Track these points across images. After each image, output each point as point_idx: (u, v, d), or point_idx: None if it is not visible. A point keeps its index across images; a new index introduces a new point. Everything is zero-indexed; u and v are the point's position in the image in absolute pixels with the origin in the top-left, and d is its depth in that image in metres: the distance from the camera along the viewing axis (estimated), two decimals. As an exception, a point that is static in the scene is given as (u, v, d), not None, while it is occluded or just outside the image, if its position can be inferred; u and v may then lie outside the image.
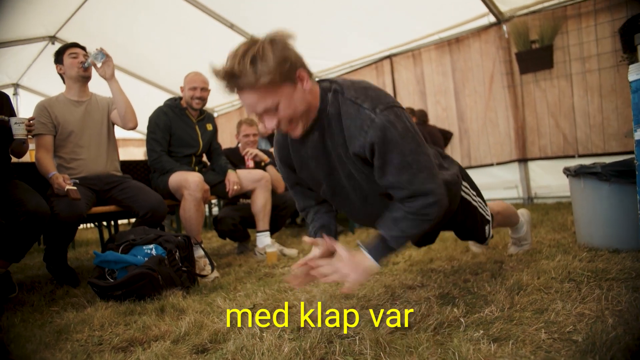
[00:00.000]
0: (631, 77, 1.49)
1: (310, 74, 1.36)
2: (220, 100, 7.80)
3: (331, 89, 1.40)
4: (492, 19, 4.94)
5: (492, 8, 4.75)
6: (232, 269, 2.69)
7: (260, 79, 1.21)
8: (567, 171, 2.47)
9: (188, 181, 2.66)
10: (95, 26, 5.65)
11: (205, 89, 3.03)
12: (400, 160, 1.31)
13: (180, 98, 3.07)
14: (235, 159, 3.44)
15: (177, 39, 6.01)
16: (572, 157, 4.59)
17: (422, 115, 5.31)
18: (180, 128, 2.98)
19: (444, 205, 1.40)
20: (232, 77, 1.23)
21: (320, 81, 1.45)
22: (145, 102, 7.51)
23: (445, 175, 1.56)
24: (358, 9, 5.04)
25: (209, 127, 3.16)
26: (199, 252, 2.53)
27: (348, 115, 1.34)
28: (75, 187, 2.32)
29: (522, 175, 4.92)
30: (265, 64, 1.21)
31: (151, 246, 2.14)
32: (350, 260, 1.38)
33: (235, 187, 2.93)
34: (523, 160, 4.94)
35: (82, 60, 2.63)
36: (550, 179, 4.73)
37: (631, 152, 4.14)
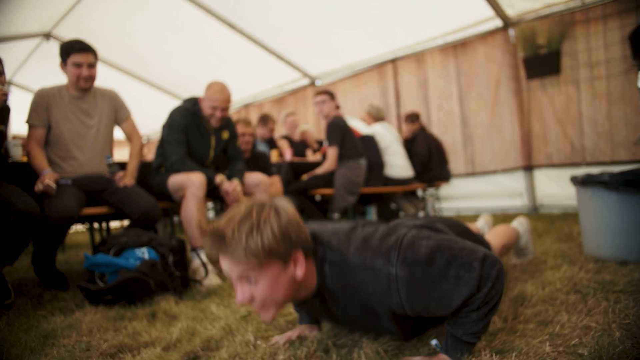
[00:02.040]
0: (642, 82, 1.42)
1: (308, 254, 1.18)
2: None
3: (326, 258, 1.20)
4: (498, 23, 4.89)
5: (499, 12, 4.70)
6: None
7: (248, 255, 1.06)
8: (575, 180, 2.40)
9: (191, 179, 2.57)
10: (91, 23, 5.63)
11: (227, 108, 2.87)
12: (448, 280, 1.11)
13: (198, 101, 2.90)
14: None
15: (175, 38, 5.99)
16: (579, 165, 4.51)
17: (415, 118, 5.12)
18: (193, 137, 2.85)
19: (500, 268, 1.15)
20: (219, 240, 1.07)
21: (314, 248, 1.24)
22: (141, 101, 7.57)
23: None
24: (361, 10, 5.01)
25: (225, 135, 3.01)
26: (197, 260, 2.46)
27: (366, 283, 1.15)
28: (54, 186, 2.26)
29: (528, 183, 4.85)
30: (259, 239, 1.06)
31: (144, 249, 2.09)
32: None
33: (235, 199, 2.80)
34: (528, 167, 4.86)
35: (85, 75, 2.53)
36: (556, 188, 4.66)
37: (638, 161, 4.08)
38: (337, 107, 4.02)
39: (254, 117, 7.51)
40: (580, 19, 4.47)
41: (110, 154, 2.72)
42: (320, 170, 3.82)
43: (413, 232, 1.18)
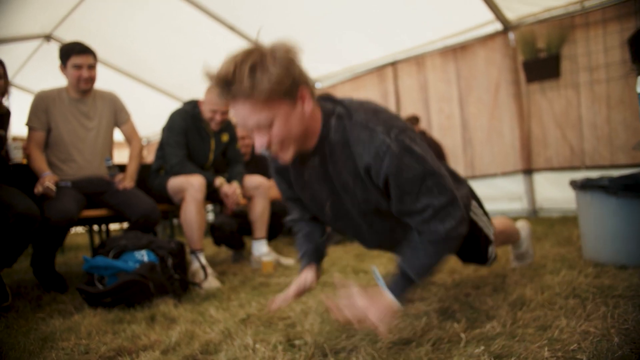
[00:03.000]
0: (639, 88, 1.42)
1: (313, 95, 1.24)
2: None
3: (334, 112, 1.28)
4: (498, 26, 4.89)
5: (499, 15, 4.71)
6: (226, 278, 2.63)
7: (257, 90, 1.10)
8: (574, 184, 2.41)
9: (190, 182, 2.58)
10: (92, 26, 5.62)
11: (227, 112, 2.85)
12: (420, 186, 1.22)
13: (198, 104, 2.89)
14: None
15: (175, 40, 5.98)
16: (579, 168, 4.52)
17: (415, 121, 5.12)
18: (193, 140, 2.85)
19: (466, 226, 1.31)
20: (226, 83, 1.12)
21: (323, 101, 1.33)
22: (141, 103, 7.57)
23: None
24: (362, 13, 5.01)
25: (225, 138, 3.01)
26: (196, 263, 2.46)
27: (359, 141, 1.22)
28: (54, 189, 2.26)
29: (527, 187, 4.85)
30: (264, 75, 1.10)
31: (143, 252, 2.09)
32: (366, 297, 1.22)
33: (234, 202, 2.80)
34: (528, 171, 4.86)
35: (86, 76, 2.53)
36: (555, 192, 4.65)
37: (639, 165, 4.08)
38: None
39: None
40: (579, 23, 4.48)
41: (110, 156, 2.73)
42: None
43: (422, 142, 1.29)
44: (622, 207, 2.15)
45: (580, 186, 2.32)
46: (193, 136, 2.85)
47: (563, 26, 4.54)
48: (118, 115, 2.76)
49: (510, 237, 2.13)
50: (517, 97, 4.89)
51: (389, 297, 1.25)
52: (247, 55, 1.12)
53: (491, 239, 1.71)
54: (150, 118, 8.03)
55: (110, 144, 2.76)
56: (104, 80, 6.77)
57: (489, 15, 4.72)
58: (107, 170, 2.60)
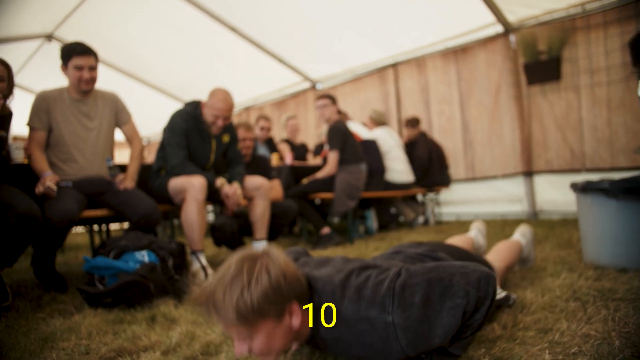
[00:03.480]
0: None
1: (304, 300, 1.19)
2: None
3: (319, 303, 1.20)
4: (499, 28, 4.90)
5: (500, 18, 4.72)
6: (227, 278, 2.62)
7: (240, 318, 1.06)
8: (575, 187, 2.41)
9: (191, 183, 2.57)
10: (93, 25, 5.65)
11: (229, 117, 2.86)
12: (447, 313, 1.10)
13: (200, 105, 2.90)
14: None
15: (176, 40, 6.00)
16: (579, 171, 4.52)
17: (415, 123, 5.12)
18: (194, 141, 2.85)
19: (494, 282, 1.16)
20: (210, 305, 1.08)
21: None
22: (142, 103, 7.59)
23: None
24: (363, 15, 5.02)
25: (226, 138, 3.01)
26: (196, 264, 2.46)
27: (363, 335, 1.14)
28: (55, 189, 2.26)
29: (528, 189, 4.85)
30: (250, 301, 1.05)
31: (144, 252, 2.09)
32: None
33: (235, 203, 2.80)
34: (528, 173, 4.86)
35: (87, 77, 2.53)
36: (556, 194, 4.66)
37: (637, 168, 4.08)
38: (339, 112, 4.03)
39: (254, 120, 7.52)
40: (580, 26, 4.49)
41: (111, 157, 2.72)
42: (320, 174, 3.82)
43: (404, 275, 1.16)
44: (623, 210, 2.15)
45: (581, 189, 2.31)
46: (194, 137, 2.85)
47: (564, 29, 4.55)
48: (119, 115, 2.76)
49: (514, 264, 2.08)
50: (517, 99, 4.90)
51: None
52: (236, 276, 1.07)
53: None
54: (150, 118, 8.05)
55: (111, 144, 2.76)
56: (105, 80, 6.79)
57: (490, 17, 4.72)
58: (108, 170, 2.60)
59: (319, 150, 4.75)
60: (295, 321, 1.14)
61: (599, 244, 2.27)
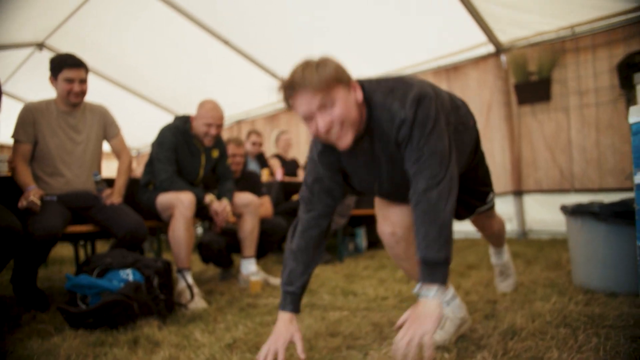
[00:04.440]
0: (631, 119, 1.43)
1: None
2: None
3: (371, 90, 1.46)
4: (491, 48, 4.95)
5: (492, 38, 4.77)
6: (213, 297, 2.57)
7: (322, 78, 1.29)
8: (565, 209, 2.41)
9: (180, 199, 2.53)
10: (86, 35, 5.60)
11: (221, 125, 2.84)
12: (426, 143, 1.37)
13: (190, 119, 2.87)
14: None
15: (169, 52, 5.98)
16: (568, 191, 4.55)
17: None
18: (183, 155, 2.81)
19: (452, 192, 1.37)
20: (296, 82, 1.30)
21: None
22: (133, 114, 7.54)
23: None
24: (356, 32, 5.05)
25: (215, 153, 2.97)
26: (182, 282, 2.41)
27: (385, 121, 1.41)
28: (38, 203, 2.21)
29: (517, 208, 4.86)
30: (326, 68, 1.32)
31: (128, 271, 2.04)
32: (413, 318, 1.25)
33: (224, 220, 2.78)
34: (518, 192, 4.88)
35: (77, 90, 2.50)
36: (545, 214, 4.67)
37: (628, 189, 4.11)
38: None
39: (245, 133, 7.49)
40: (570, 48, 4.55)
41: (98, 171, 2.68)
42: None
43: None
44: (612, 234, 2.15)
45: (571, 212, 2.32)
46: (183, 152, 2.82)
47: (554, 50, 4.60)
48: (108, 128, 2.72)
49: (503, 232, 2.23)
50: (508, 119, 4.93)
51: (427, 304, 1.25)
52: (308, 61, 1.35)
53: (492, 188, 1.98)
54: (141, 130, 7.99)
55: (98, 158, 2.71)
56: (96, 91, 6.74)
57: (481, 37, 4.77)
58: (95, 185, 2.55)
59: (310, 165, 4.72)
60: (359, 94, 1.39)
61: (589, 267, 2.27)
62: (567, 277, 2.58)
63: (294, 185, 4.12)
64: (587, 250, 2.26)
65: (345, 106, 1.33)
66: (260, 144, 4.69)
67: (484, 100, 5.09)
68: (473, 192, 1.88)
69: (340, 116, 1.32)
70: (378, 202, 1.76)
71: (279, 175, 4.27)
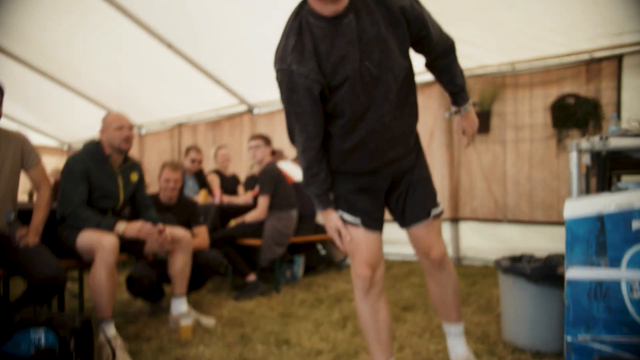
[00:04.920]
0: (566, 214, 1.45)
1: None
2: (148, 118, 7.42)
3: None
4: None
5: (437, 67, 4.84)
6: (138, 345, 2.40)
7: None
8: (499, 265, 2.46)
9: (102, 243, 2.33)
10: (15, 25, 5.15)
11: (131, 128, 2.70)
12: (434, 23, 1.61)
13: (100, 142, 2.71)
14: (158, 206, 3.14)
15: (107, 49, 5.64)
16: (501, 221, 4.73)
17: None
18: (99, 179, 2.62)
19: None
20: None
21: None
22: (66, 109, 7.05)
23: None
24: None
25: (134, 177, 2.79)
26: (101, 336, 2.22)
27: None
28: None
29: (453, 234, 4.99)
30: None
31: (40, 331, 1.84)
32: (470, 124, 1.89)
33: (160, 241, 2.63)
34: (455, 219, 5.01)
35: None
36: (479, 241, 4.82)
37: (554, 223, 4.33)
38: (273, 152, 3.91)
39: (186, 137, 7.20)
40: (510, 83, 4.72)
41: (12, 208, 2.40)
42: (249, 218, 3.68)
43: None
44: (541, 295, 2.22)
45: (504, 270, 2.37)
46: (99, 175, 2.62)
47: (495, 84, 4.76)
48: (26, 158, 2.45)
49: (456, 280, 2.07)
50: (449, 147, 5.05)
51: (472, 112, 1.88)
52: None
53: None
54: (74, 125, 7.53)
55: (13, 192, 2.43)
56: (25, 82, 6.24)
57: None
58: (7, 225, 2.29)
59: (250, 183, 4.58)
60: None
61: (518, 326, 2.34)
62: (497, 323, 2.65)
63: (232, 210, 3.97)
64: (517, 308, 2.33)
65: None
66: (200, 161, 4.49)
67: (427, 127, 5.16)
68: (426, 188, 1.85)
69: None
70: (355, 241, 1.70)
71: (217, 197, 4.11)
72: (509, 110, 4.74)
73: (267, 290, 3.56)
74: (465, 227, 4.98)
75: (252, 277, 3.56)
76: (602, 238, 1.44)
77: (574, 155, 2.17)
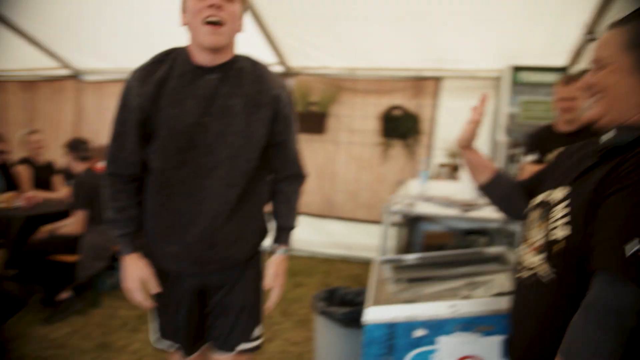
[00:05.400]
0: (365, 319, 1.63)
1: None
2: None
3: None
4: (281, 69, 5.01)
5: (283, 61, 4.82)
6: None
7: None
8: (314, 306, 2.66)
9: None
10: None
11: None
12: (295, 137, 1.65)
13: None
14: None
15: None
16: (330, 217, 5.09)
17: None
18: None
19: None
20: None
21: None
22: None
23: None
24: (133, 17, 4.45)
25: None
26: None
27: (270, 76, 1.46)
28: None
29: (287, 228, 5.21)
30: None
31: None
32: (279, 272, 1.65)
33: None
34: (289, 213, 5.22)
35: None
36: (309, 235, 5.10)
37: (374, 222, 4.80)
38: (86, 158, 3.42)
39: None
40: (348, 87, 4.95)
41: None
42: (63, 230, 3.30)
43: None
44: (349, 338, 2.49)
45: (321, 312, 2.58)
46: None
47: (334, 86, 4.94)
48: None
49: None
50: (287, 142, 5.14)
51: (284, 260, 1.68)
52: None
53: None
54: None
55: None
56: None
57: (274, 58, 4.77)
58: None
59: (69, 174, 4.05)
60: (242, 27, 1.44)
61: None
62: (313, 345, 2.91)
63: (42, 217, 3.48)
64: (329, 348, 2.58)
65: (237, 11, 1.35)
66: (8, 152, 3.80)
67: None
68: (242, 319, 1.60)
69: (232, 13, 1.32)
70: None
71: (23, 200, 3.52)
72: (345, 114, 4.99)
73: (83, 309, 3.29)
74: (299, 221, 5.22)
75: (65, 295, 3.24)
76: (391, 342, 1.66)
77: (386, 217, 2.41)
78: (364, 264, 4.77)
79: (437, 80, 4.72)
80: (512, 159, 4.23)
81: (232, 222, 1.47)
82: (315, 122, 4.98)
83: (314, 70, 4.95)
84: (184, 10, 1.37)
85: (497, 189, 1.38)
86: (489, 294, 1.68)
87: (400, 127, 4.81)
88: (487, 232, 2.86)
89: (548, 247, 0.98)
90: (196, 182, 1.41)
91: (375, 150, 4.94)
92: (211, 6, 1.28)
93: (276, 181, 1.65)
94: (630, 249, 0.76)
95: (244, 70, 1.42)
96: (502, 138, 3.70)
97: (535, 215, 1.10)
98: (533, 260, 1.03)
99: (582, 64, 4.08)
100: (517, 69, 4.26)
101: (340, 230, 5.06)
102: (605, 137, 0.92)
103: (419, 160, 4.68)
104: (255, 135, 1.43)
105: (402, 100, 4.83)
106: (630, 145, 0.87)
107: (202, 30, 1.31)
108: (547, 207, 1.04)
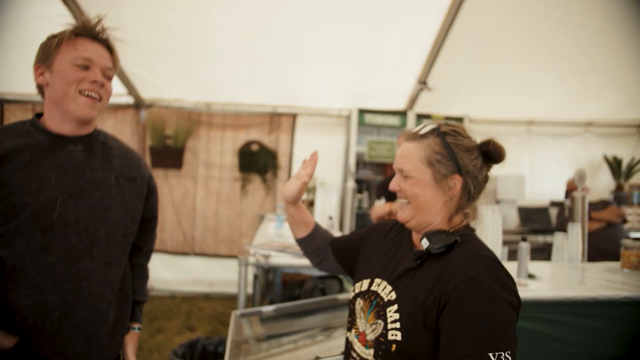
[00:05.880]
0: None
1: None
2: None
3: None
4: (131, 100, 4.76)
5: (132, 91, 4.59)
6: None
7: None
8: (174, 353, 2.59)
9: None
10: None
11: None
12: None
13: None
14: None
15: None
16: (189, 254, 4.94)
17: None
18: None
19: None
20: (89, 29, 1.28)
21: None
22: None
23: None
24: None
25: None
26: None
27: (129, 148, 1.44)
28: None
29: (141, 268, 4.92)
30: None
31: None
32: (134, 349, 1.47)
33: None
34: (143, 253, 4.94)
35: None
36: (167, 273, 4.89)
37: (235, 257, 4.77)
38: None
39: None
40: (205, 121, 4.91)
41: None
42: None
43: None
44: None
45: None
46: None
47: (191, 120, 4.85)
48: None
49: None
50: (141, 178, 4.88)
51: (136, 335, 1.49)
52: None
53: None
54: None
55: None
56: None
57: (122, 89, 4.52)
58: None
59: None
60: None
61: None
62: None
63: None
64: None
65: (111, 89, 1.32)
66: None
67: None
68: None
69: (109, 91, 1.30)
70: None
71: None
72: (202, 148, 4.93)
73: None
74: (155, 259, 4.94)
75: None
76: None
77: (242, 269, 2.46)
78: (227, 300, 4.73)
79: (293, 116, 4.95)
80: (359, 202, 4.71)
81: (113, 308, 1.32)
82: (172, 157, 4.82)
83: (168, 102, 4.82)
84: (47, 67, 1.22)
85: (312, 243, 1.44)
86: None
87: (258, 162, 4.92)
88: (338, 277, 3.09)
89: (378, 346, 1.03)
90: (66, 267, 1.21)
91: (234, 185, 4.96)
92: (94, 82, 1.22)
93: (140, 256, 1.52)
94: None
95: (107, 144, 1.35)
96: (351, 184, 4.07)
97: (363, 304, 1.13)
98: (364, 351, 1.09)
99: (417, 108, 4.68)
100: (362, 111, 4.69)
101: (201, 266, 4.95)
102: (422, 243, 1.04)
103: (278, 195, 4.84)
104: (133, 209, 1.36)
105: (260, 135, 4.96)
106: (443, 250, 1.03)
107: (78, 101, 1.21)
108: (375, 301, 1.08)
